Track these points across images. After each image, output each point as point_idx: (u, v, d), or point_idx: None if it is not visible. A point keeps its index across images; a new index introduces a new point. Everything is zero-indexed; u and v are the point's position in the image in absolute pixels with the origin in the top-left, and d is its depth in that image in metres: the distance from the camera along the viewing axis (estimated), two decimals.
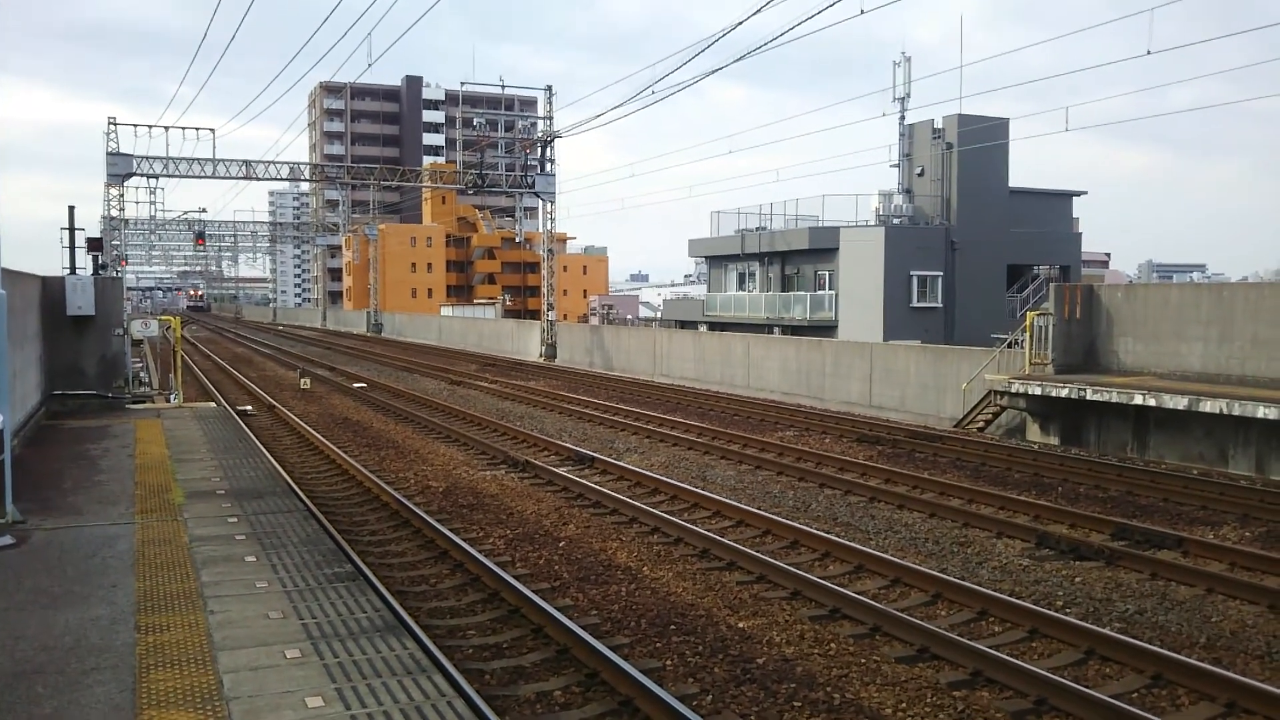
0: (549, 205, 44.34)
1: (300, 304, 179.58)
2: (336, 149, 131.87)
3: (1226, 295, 19.46)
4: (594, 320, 74.22)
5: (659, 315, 71.25)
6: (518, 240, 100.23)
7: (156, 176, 41.77)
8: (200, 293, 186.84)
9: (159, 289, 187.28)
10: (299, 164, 43.78)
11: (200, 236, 73.63)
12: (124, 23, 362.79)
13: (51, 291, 17.58)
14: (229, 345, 60.33)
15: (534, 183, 43.91)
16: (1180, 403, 16.70)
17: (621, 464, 16.19)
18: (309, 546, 8.66)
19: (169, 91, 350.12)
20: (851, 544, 11.03)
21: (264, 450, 16.48)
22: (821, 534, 11.44)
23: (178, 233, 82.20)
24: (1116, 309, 21.01)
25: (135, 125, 40.43)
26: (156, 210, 57.43)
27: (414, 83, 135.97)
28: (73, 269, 29.48)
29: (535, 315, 73.15)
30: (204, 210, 74.00)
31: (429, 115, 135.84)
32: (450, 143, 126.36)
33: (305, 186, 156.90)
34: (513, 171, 46.56)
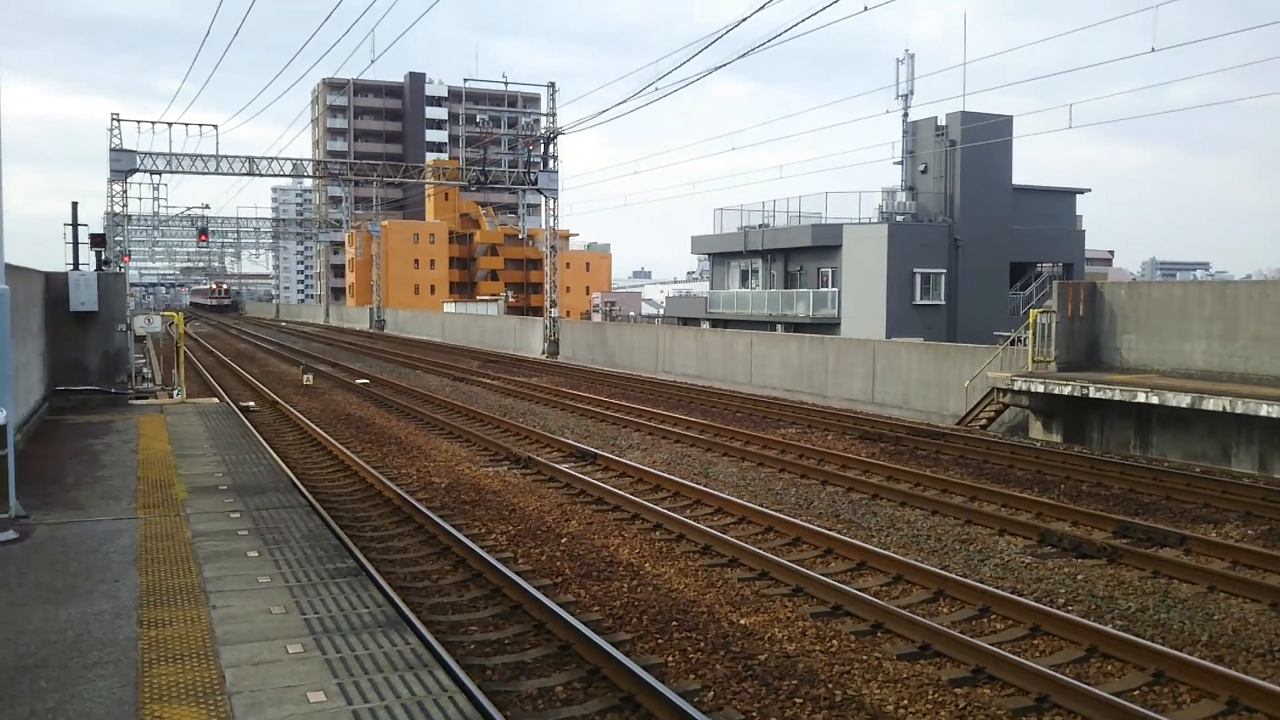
0: (552, 202, 44.32)
1: (303, 300, 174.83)
2: (340, 145, 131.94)
3: (1230, 293, 19.43)
4: (596, 317, 74.28)
5: (662, 312, 71.25)
6: (520, 237, 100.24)
7: (160, 173, 41.80)
8: (225, 285, 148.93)
9: (162, 285, 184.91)
10: (302, 160, 43.78)
11: (203, 232, 73.69)
12: (120, 18, 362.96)
13: (55, 287, 17.59)
14: (232, 341, 60.38)
15: (537, 179, 43.89)
16: (1183, 401, 16.68)
17: (624, 460, 16.19)
18: (311, 542, 8.67)
19: (168, 88, 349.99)
20: (854, 541, 11.02)
21: (267, 446, 16.52)
22: (824, 531, 11.44)
23: (181, 229, 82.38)
24: (1120, 306, 20.98)
25: (139, 121, 40.33)
26: (160, 206, 57.58)
27: (417, 79, 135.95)
28: (76, 264, 29.52)
29: (538, 312, 73.16)
30: (207, 206, 73.91)
31: (432, 112, 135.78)
32: (453, 139, 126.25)
33: (308, 183, 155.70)
34: (515, 168, 46.50)
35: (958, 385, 22.41)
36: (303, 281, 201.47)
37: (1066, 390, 18.73)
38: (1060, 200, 48.25)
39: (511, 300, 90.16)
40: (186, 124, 41.52)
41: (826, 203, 46.54)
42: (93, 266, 30.92)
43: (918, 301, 41.79)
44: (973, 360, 22.28)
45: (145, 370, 27.23)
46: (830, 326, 41.79)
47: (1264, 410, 15.50)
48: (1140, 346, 20.54)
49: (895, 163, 45.05)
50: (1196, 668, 7.30)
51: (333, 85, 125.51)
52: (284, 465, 15.17)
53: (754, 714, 6.79)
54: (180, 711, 5.13)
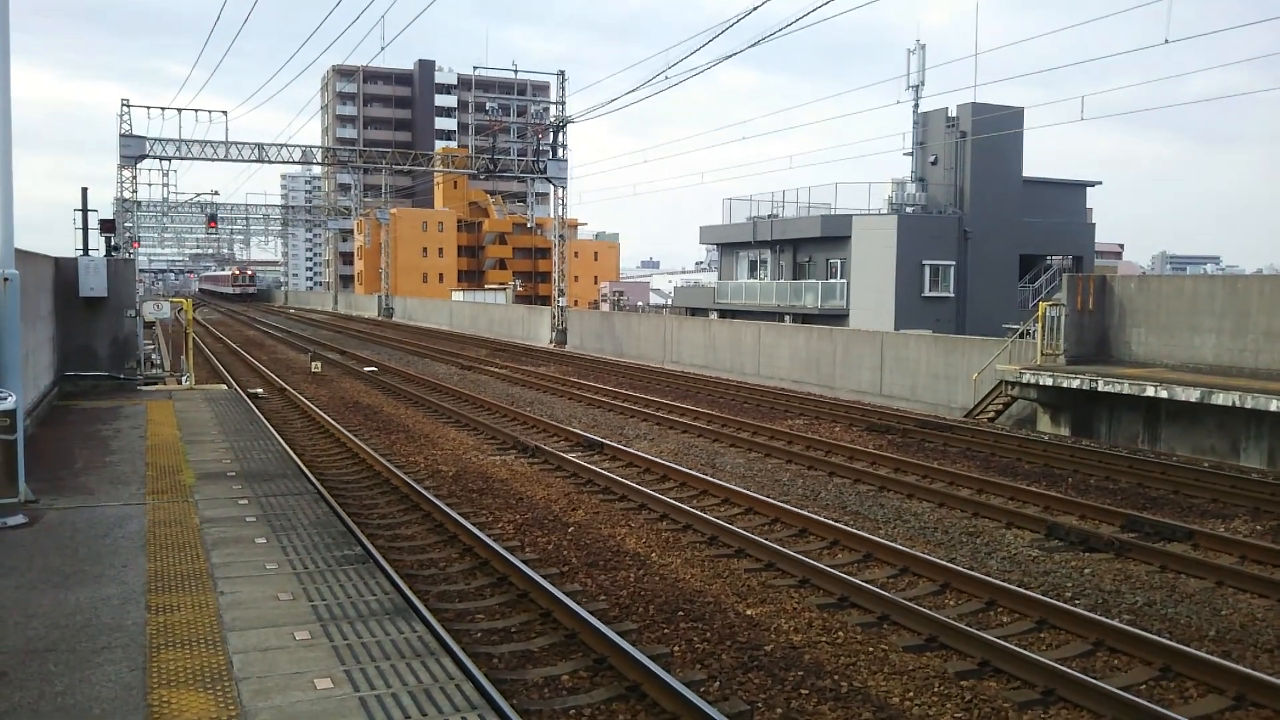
0: (560, 191, 44.28)
1: (311, 287, 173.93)
2: (349, 133, 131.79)
3: (1241, 287, 19.34)
4: (604, 307, 74.20)
5: (670, 302, 71.17)
6: (529, 226, 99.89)
7: (169, 159, 41.89)
8: (251, 271, 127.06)
9: (171, 271, 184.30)
10: (311, 147, 43.87)
11: (212, 219, 73.71)
12: (130, 2, 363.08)
13: (64, 273, 17.63)
14: (240, 328, 60.50)
15: (546, 168, 43.84)
16: (1192, 395, 16.61)
17: (631, 450, 16.19)
18: (319, 529, 8.69)
19: (178, 73, 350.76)
20: (860, 532, 11.02)
21: (275, 433, 16.55)
22: (830, 522, 11.43)
23: (190, 215, 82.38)
24: (1129, 300, 20.90)
25: (148, 107, 40.43)
26: (169, 192, 57.60)
27: (426, 67, 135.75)
28: (85, 250, 29.57)
29: (546, 301, 73.11)
30: (216, 193, 73.87)
31: (441, 99, 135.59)
32: (462, 127, 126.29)
33: (317, 170, 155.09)
34: (524, 156, 46.45)
35: (966, 378, 22.35)
36: (311, 269, 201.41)
37: (1075, 384, 18.68)
38: (1070, 193, 48.01)
39: (519, 289, 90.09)
40: (196, 110, 41.67)
41: (836, 193, 46.43)
42: (102, 252, 30.97)
43: (926, 293, 41.67)
44: (981, 353, 22.23)
45: (154, 356, 27.32)
46: (839, 318, 41.71)
47: (1274, 405, 15.44)
48: (1150, 340, 20.47)
49: (905, 154, 44.86)
50: (1204, 663, 7.28)
51: (342, 72, 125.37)
52: (292, 452, 15.21)
53: (760, 705, 6.79)
54: (188, 697, 5.15)
